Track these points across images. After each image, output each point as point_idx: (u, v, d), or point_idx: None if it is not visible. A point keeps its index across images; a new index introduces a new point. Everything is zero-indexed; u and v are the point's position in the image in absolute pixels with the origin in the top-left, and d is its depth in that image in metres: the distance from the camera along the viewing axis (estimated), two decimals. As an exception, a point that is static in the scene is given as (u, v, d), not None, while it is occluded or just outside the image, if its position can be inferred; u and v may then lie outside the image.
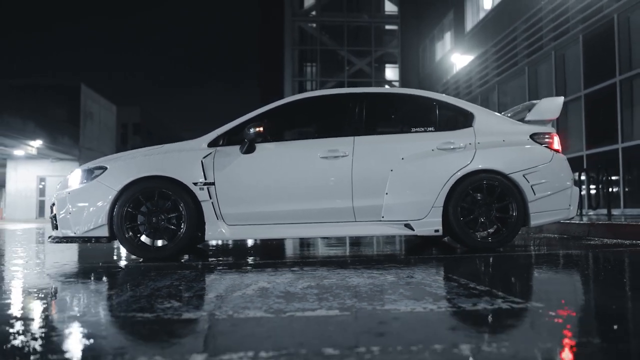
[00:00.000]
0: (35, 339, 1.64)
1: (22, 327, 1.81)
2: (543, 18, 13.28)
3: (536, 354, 1.38)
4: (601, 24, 11.03)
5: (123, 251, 5.27)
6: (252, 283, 2.74)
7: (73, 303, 2.34)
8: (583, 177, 10.39)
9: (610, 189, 9.87)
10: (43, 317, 2.04)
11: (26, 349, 1.53)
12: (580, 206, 10.01)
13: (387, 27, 33.27)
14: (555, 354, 1.38)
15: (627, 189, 10.47)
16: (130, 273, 3.45)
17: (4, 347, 1.55)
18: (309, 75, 33.35)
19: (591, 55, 11.59)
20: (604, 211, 9.61)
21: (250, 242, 6.36)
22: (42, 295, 2.55)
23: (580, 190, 10.31)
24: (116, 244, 6.11)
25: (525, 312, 1.92)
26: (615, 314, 1.93)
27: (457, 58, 19.60)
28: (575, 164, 11.84)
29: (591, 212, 10.76)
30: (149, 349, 1.49)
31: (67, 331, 1.75)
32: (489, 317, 1.85)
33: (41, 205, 30.98)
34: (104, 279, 3.21)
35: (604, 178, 9.65)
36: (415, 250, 4.89)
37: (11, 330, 1.76)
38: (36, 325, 1.86)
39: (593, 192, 10.36)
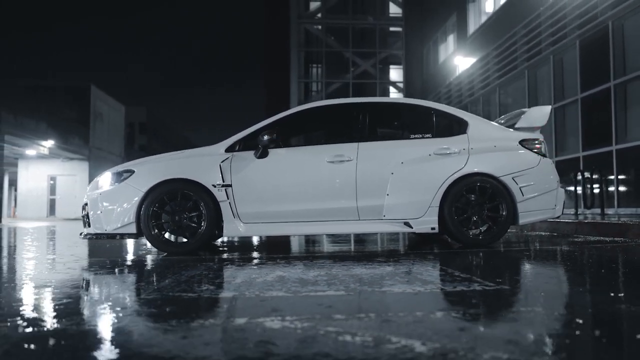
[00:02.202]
0: (113, 310, 2.13)
1: (101, 306, 2.29)
2: (542, 23, 13.71)
3: (493, 317, 1.84)
4: (597, 30, 11.46)
5: (143, 247, 5.75)
6: (270, 272, 3.22)
7: (126, 287, 2.82)
8: (579, 178, 10.80)
9: (604, 189, 10.30)
10: (108, 297, 2.52)
11: (115, 315, 2.01)
12: (576, 205, 10.44)
13: (392, 29, 33.72)
14: (505, 318, 1.85)
15: (620, 189, 10.89)
16: (161, 265, 3.92)
17: (101, 309, 2.03)
18: (314, 76, 33.86)
19: (587, 60, 12.01)
20: (600, 210, 10.01)
21: (263, 240, 6.83)
22: (96, 282, 3.04)
23: (576, 190, 10.77)
24: (127, 240, 6.59)
25: (493, 292, 2.39)
26: (566, 293, 2.38)
27: (459, 60, 20.05)
28: (572, 165, 12.26)
29: (587, 212, 11.18)
30: (202, 315, 1.97)
31: (134, 305, 2.23)
32: (463, 295, 2.32)
33: (52, 204, 31.59)
34: (142, 269, 3.69)
35: (598, 178, 10.07)
36: (415, 247, 5.34)
37: (97, 307, 2.24)
38: (108, 303, 2.34)
39: (588, 192, 10.75)
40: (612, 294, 2.29)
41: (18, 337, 1.68)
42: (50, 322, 1.91)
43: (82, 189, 31.02)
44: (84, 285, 2.91)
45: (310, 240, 6.54)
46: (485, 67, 17.66)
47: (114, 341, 1.64)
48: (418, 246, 5.40)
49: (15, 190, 37.38)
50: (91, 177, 30.99)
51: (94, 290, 2.76)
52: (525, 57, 14.72)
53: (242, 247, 5.70)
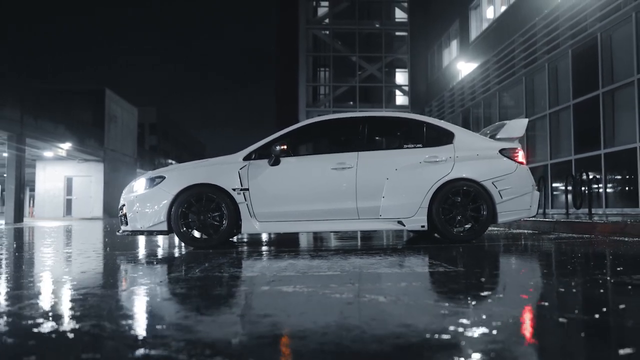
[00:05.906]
0: (176, 282, 2.94)
1: (165, 280, 3.11)
2: (537, 33, 14.43)
3: (439, 285, 2.63)
4: (587, 40, 12.17)
5: (154, 243, 6.57)
6: (283, 261, 4.02)
7: (176, 269, 3.63)
8: (570, 180, 11.51)
9: (592, 191, 11.01)
10: (166, 275, 3.33)
11: (178, 285, 2.82)
12: (567, 205, 11.16)
13: (397, 33, 34.55)
14: (447, 285, 2.64)
15: (608, 190, 11.61)
16: (194, 256, 4.73)
17: (167, 282, 2.84)
18: (322, 80, 34.74)
19: (579, 68, 12.73)
20: (588, 210, 10.71)
21: (273, 237, 7.64)
22: (153, 268, 3.86)
23: (567, 191, 11.49)
24: (136, 237, 7.40)
25: (450, 272, 3.17)
26: (506, 273, 3.16)
27: (462, 65, 20.78)
28: (566, 167, 12.98)
29: (578, 211, 11.88)
30: (237, 285, 2.77)
31: (189, 279, 3.03)
32: (428, 274, 3.11)
33: (68, 204, 32.62)
34: (181, 259, 4.50)
35: (586, 180, 10.79)
36: (410, 242, 6.12)
37: (164, 281, 3.05)
38: (170, 278, 3.15)
39: (578, 193, 11.46)
40: (541, 273, 3.07)
41: (105, 293, 2.50)
42: (136, 289, 2.72)
43: (98, 190, 32.05)
44: (146, 271, 3.73)
45: (317, 238, 7.34)
46: (486, 72, 18.38)
47: (185, 299, 2.45)
48: (413, 242, 6.18)
49: (32, 190, 38.53)
50: (106, 178, 32.01)
51: (157, 271, 3.57)
52: (522, 64, 15.44)
53: (257, 243, 6.51)
